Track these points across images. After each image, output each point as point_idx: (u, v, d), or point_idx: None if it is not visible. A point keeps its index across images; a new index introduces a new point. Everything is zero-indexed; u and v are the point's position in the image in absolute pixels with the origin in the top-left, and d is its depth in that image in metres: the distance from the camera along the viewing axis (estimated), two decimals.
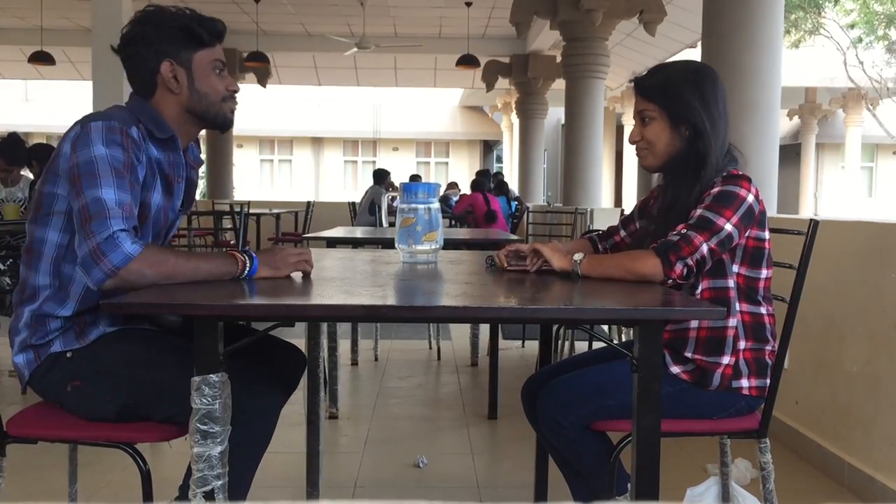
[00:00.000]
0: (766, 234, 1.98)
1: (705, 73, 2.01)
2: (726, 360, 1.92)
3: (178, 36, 1.82)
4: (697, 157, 1.96)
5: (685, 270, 1.85)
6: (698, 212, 1.89)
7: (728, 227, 1.87)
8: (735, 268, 1.95)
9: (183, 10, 1.86)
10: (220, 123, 1.92)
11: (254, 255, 1.76)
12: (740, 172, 1.98)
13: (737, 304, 1.94)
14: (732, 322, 1.93)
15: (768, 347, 1.98)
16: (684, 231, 1.86)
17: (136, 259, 1.62)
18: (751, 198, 1.91)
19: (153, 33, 1.82)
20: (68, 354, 1.78)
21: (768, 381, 1.97)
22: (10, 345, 1.85)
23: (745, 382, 1.94)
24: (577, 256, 1.89)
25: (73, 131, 1.76)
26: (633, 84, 2.07)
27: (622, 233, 2.27)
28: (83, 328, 1.80)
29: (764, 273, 1.97)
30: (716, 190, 1.91)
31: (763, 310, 1.97)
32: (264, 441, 1.78)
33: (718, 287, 1.94)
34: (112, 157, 1.70)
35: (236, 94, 1.94)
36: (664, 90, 1.99)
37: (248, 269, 1.73)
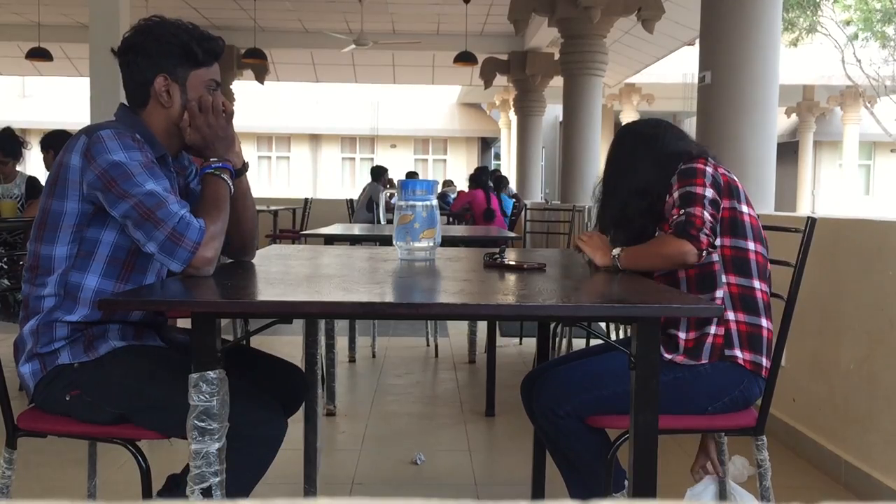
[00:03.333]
0: (745, 208, 2.05)
1: (619, 153, 2.22)
2: (713, 329, 1.95)
3: (177, 52, 1.85)
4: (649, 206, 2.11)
5: (709, 239, 1.94)
6: (675, 193, 2.00)
7: (708, 192, 1.98)
8: (718, 241, 1.99)
9: (186, 24, 1.88)
10: None
11: (227, 166, 1.90)
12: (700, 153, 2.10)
13: (722, 277, 1.99)
14: (719, 294, 1.98)
15: (763, 323, 1.99)
16: (683, 211, 1.96)
17: (207, 234, 1.74)
18: (709, 169, 2.02)
19: (153, 46, 1.84)
20: (75, 366, 1.78)
21: (764, 359, 1.98)
22: (13, 358, 1.85)
23: (738, 353, 1.95)
24: (616, 251, 2.02)
25: (78, 142, 1.76)
26: None
27: None
28: (92, 341, 1.80)
29: (752, 246, 2.01)
30: (674, 178, 2.04)
31: (756, 283, 2.00)
32: (263, 467, 1.77)
33: (703, 262, 1.97)
34: (133, 157, 1.73)
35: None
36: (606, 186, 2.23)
37: (231, 178, 1.89)
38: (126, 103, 1.92)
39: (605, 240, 2.11)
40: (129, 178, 1.71)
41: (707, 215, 1.94)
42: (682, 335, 1.96)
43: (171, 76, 1.85)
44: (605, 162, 2.24)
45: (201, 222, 1.74)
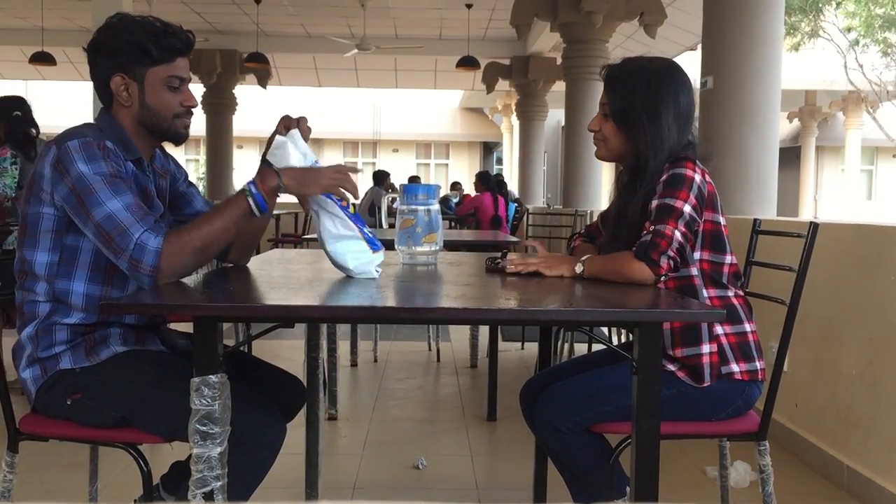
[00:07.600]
0: (722, 219, 1.98)
1: (667, 79, 1.99)
2: (706, 348, 1.92)
3: (132, 50, 1.81)
4: (640, 162, 1.98)
5: (671, 263, 1.86)
6: (655, 202, 1.90)
7: (687, 208, 1.88)
8: (697, 254, 1.95)
9: (148, 21, 1.84)
10: (172, 138, 1.93)
11: (254, 188, 1.78)
12: (689, 155, 1.96)
13: (704, 291, 1.95)
14: None
15: (748, 328, 1.98)
16: (653, 227, 1.88)
17: (164, 251, 1.67)
18: (697, 177, 1.92)
19: (111, 44, 1.82)
20: (77, 370, 1.78)
21: (757, 362, 1.97)
22: (14, 365, 1.85)
23: (734, 367, 1.94)
24: (578, 268, 1.91)
25: (49, 153, 1.76)
26: (603, 71, 2.06)
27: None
28: (93, 346, 1.81)
29: (728, 259, 1.98)
30: (665, 176, 1.92)
31: (730, 293, 1.98)
32: (263, 471, 1.76)
33: (682, 276, 1.95)
34: (97, 170, 1.72)
35: (193, 109, 1.93)
36: (623, 91, 1.99)
37: (255, 205, 1.78)
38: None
39: (558, 257, 2.01)
40: (91, 193, 1.70)
41: (678, 234, 1.85)
42: (670, 352, 1.94)
43: (128, 74, 1.83)
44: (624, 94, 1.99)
45: (158, 241, 1.68)
